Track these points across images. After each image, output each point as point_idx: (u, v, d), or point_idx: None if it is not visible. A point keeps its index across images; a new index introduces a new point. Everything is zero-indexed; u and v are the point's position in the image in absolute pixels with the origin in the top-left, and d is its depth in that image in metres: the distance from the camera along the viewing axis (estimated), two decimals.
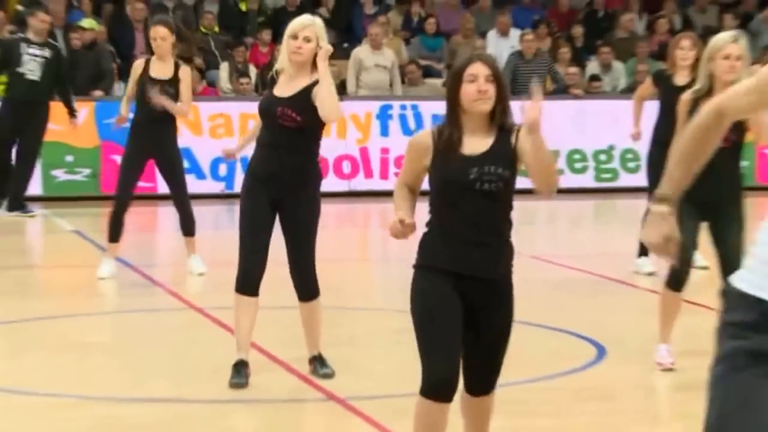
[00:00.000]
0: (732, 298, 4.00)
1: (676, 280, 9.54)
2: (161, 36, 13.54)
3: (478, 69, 6.11)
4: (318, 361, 9.18)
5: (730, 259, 9.39)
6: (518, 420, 6.84)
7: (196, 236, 13.57)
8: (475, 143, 6.20)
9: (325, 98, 8.73)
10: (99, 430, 8.31)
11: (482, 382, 6.43)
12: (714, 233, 9.76)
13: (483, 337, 6.34)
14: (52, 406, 8.79)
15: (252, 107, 14.57)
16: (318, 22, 9.06)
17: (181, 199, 13.72)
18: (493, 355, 6.39)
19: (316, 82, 8.83)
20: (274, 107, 8.87)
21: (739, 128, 9.29)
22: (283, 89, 8.90)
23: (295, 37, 8.80)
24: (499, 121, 6.19)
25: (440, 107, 20.54)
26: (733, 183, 9.72)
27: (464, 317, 6.29)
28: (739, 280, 3.99)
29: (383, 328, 11.78)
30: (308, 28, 8.89)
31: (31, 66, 16.69)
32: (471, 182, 6.11)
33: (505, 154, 6.19)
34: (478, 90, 6.06)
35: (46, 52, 16.78)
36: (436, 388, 6.14)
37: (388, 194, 21.00)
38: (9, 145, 17.48)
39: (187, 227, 13.60)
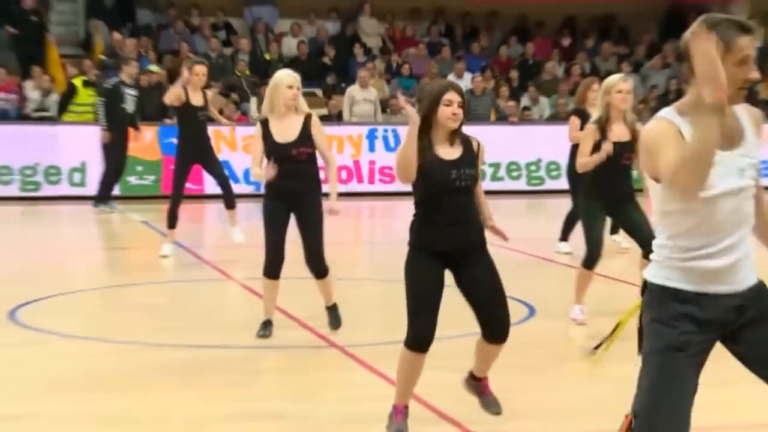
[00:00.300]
0: (655, 292, 4.04)
1: (590, 262, 9.43)
2: (203, 72, 13.19)
3: (453, 96, 6.04)
4: (331, 310, 9.09)
5: (645, 240, 9.07)
6: (469, 361, 6.61)
7: (236, 209, 13.19)
8: (447, 151, 6.15)
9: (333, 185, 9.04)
10: (164, 368, 8.32)
11: (499, 327, 6.31)
12: (624, 224, 9.76)
13: (479, 288, 6.25)
14: (130, 350, 8.84)
15: None
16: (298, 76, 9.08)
17: (224, 181, 13.40)
18: (496, 297, 6.29)
19: (306, 118, 8.80)
20: (288, 150, 8.71)
21: (634, 152, 9.31)
22: (285, 133, 8.77)
23: (291, 87, 8.71)
24: (460, 134, 6.14)
25: None
26: (631, 187, 9.62)
27: (458, 281, 6.30)
28: (653, 276, 4.07)
29: (371, 294, 11.77)
30: (297, 81, 8.83)
31: (129, 102, 16.69)
32: (452, 181, 6.09)
33: (471, 158, 6.18)
34: (453, 112, 6.01)
35: (135, 92, 16.79)
36: (417, 343, 6.19)
37: (375, 194, 21.12)
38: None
39: (230, 201, 13.22)
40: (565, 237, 13.29)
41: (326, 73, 22.00)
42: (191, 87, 13.10)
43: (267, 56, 21.88)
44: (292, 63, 20.57)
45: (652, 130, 3.98)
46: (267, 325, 9.02)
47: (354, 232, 16.84)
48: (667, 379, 4.01)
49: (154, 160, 19.82)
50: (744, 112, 4.03)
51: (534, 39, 24.32)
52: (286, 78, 8.80)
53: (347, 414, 7.14)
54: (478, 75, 22.39)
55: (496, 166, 21.68)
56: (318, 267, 8.98)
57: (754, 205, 4.09)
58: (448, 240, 6.25)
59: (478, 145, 6.30)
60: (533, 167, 21.40)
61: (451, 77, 21.76)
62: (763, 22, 23.82)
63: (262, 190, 8.86)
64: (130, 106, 16.60)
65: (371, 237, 17.89)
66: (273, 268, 8.91)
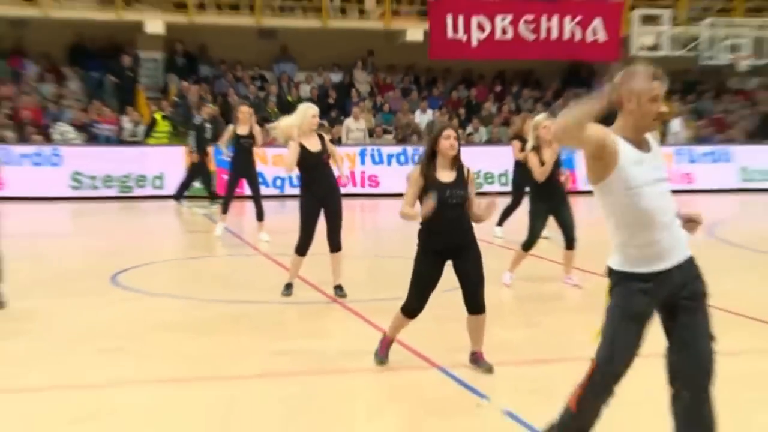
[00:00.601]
0: (619, 276, 4.00)
1: (527, 246, 9.46)
2: (248, 111, 13.30)
3: (451, 132, 6.09)
4: (338, 288, 8.95)
5: (569, 232, 9.42)
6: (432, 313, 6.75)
7: (264, 220, 13.09)
8: (446, 175, 6.09)
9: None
10: (221, 317, 8.41)
11: (476, 304, 6.22)
12: (558, 221, 9.48)
13: (469, 274, 6.20)
14: (199, 304, 8.96)
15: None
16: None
17: (258, 199, 13.22)
18: (477, 281, 6.22)
19: (320, 136, 8.86)
20: (320, 158, 8.75)
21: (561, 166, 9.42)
22: (313, 146, 8.74)
23: (315, 116, 8.78)
24: (458, 162, 6.11)
25: (394, 150, 21.13)
26: (564, 194, 9.54)
27: (455, 267, 6.22)
28: (616, 264, 4.02)
29: (363, 265, 11.73)
30: (317, 111, 8.92)
31: (208, 133, 16.78)
32: (446, 198, 6.01)
33: (462, 182, 6.12)
34: (451, 145, 6.03)
35: (211, 126, 16.88)
36: (410, 312, 6.29)
37: (364, 195, 20.31)
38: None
39: (260, 216, 13.08)
40: (500, 223, 13.14)
41: (330, 109, 21.96)
42: (238, 122, 13.18)
43: (289, 98, 21.79)
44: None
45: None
46: (289, 287, 9.04)
47: (350, 222, 15.55)
48: (623, 339, 3.96)
49: (210, 171, 19.05)
50: (653, 136, 4.03)
51: (476, 86, 24.20)
52: (310, 109, 8.88)
53: (348, 349, 7.24)
54: (437, 111, 22.59)
55: None
56: (336, 243, 8.86)
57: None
58: (444, 242, 6.13)
59: (468, 171, 6.21)
60: (484, 179, 20.97)
61: (418, 112, 22.63)
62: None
63: (285, 191, 9.08)
64: (208, 135, 16.77)
65: (362, 225, 17.71)
66: (304, 248, 8.84)
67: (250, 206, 13.88)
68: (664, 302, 3.97)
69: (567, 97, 22.95)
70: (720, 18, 23.38)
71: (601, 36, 22.71)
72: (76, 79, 21.66)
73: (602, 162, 3.84)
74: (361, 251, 13.14)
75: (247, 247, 13.04)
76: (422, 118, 22.41)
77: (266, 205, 13.63)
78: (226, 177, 14.67)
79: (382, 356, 6.52)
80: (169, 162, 19.60)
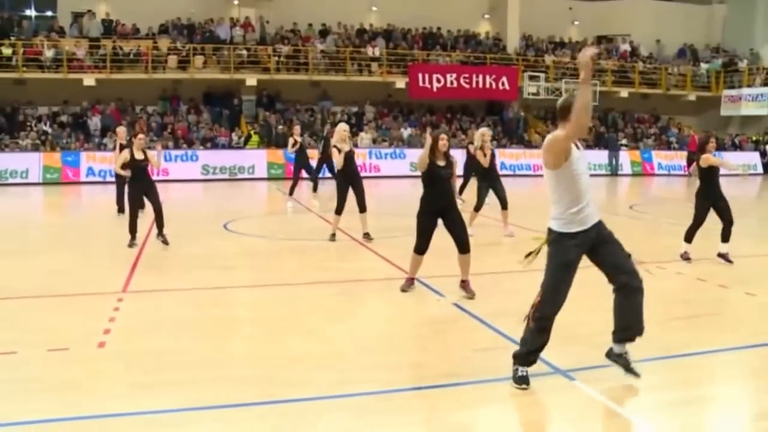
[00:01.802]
0: (557, 235, 3.44)
1: (477, 208, 8.46)
2: (298, 132, 12.40)
3: (443, 136, 5.53)
4: (366, 235, 8.11)
5: (503, 199, 8.46)
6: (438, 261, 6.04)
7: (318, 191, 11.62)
8: (441, 162, 5.47)
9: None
10: (282, 250, 7.63)
11: (464, 245, 5.50)
12: (495, 190, 8.49)
13: (454, 226, 5.52)
14: (286, 244, 8.15)
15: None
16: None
17: (314, 178, 12.04)
18: (462, 230, 5.54)
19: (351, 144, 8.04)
20: (351, 156, 7.99)
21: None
22: (347, 147, 7.95)
23: (346, 131, 7.98)
24: (448, 154, 5.51)
25: (388, 150, 20.11)
26: (497, 173, 8.58)
27: (444, 223, 5.54)
28: (557, 227, 3.45)
29: (385, 221, 9.64)
30: (348, 129, 8.10)
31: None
32: (441, 176, 5.43)
33: (449, 166, 5.48)
34: (443, 143, 5.46)
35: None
36: (419, 251, 5.61)
37: (372, 177, 18.75)
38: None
39: (315, 186, 11.71)
40: (460, 193, 11.34)
41: (352, 127, 17.77)
42: (293, 135, 12.25)
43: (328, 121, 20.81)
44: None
45: (552, 138, 3.42)
46: (333, 236, 8.03)
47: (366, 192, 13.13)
48: (561, 277, 3.44)
49: (281, 163, 19.05)
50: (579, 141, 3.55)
51: (435, 114, 23.04)
52: (344, 125, 8.13)
53: (364, 268, 6.69)
54: (413, 128, 21.96)
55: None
56: (363, 206, 8.08)
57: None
58: (438, 203, 5.49)
59: (454, 159, 5.65)
60: (455, 162, 19.16)
61: (402, 129, 21.82)
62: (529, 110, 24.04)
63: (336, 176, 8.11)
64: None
65: (371, 194, 14.30)
66: (340, 212, 8.03)
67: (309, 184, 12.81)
68: (588, 250, 3.49)
69: (486, 121, 23.27)
70: (571, 78, 22.86)
71: (507, 86, 22.60)
72: (206, 112, 21.49)
73: (564, 153, 3.35)
74: (372, 209, 11.03)
75: (308, 212, 11.58)
76: (405, 132, 21.94)
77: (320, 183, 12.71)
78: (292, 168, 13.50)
79: (405, 285, 5.77)
80: (257, 159, 19.28)
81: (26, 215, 12.00)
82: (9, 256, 7.53)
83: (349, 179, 8.00)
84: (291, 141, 12.56)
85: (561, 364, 4.00)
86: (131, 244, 7.81)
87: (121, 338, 4.60)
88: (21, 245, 8.27)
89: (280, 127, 20.61)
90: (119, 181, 10.35)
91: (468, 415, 3.43)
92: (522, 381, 3.64)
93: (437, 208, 5.52)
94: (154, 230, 8.07)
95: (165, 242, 7.79)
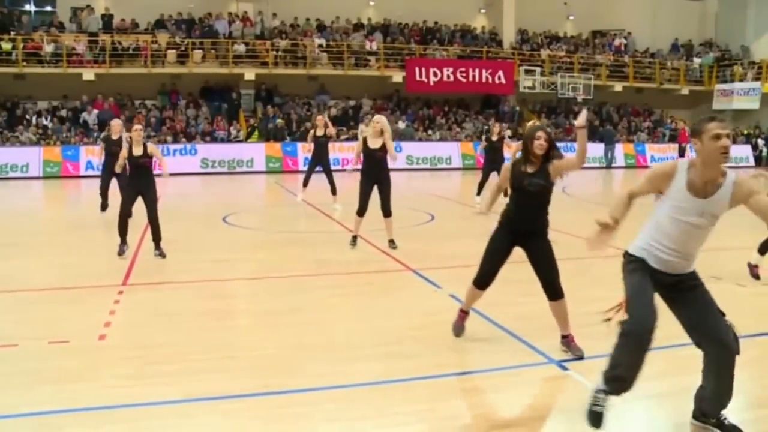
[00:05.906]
0: (633, 257, 3.07)
1: (479, 190, 8.18)
2: (323, 123, 10.85)
3: (540, 135, 3.92)
4: (391, 242, 7.31)
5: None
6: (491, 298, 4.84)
7: (337, 194, 10.43)
8: (531, 168, 3.95)
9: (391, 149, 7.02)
10: (280, 241, 7.53)
11: (553, 288, 3.98)
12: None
13: (539, 261, 3.98)
14: (283, 237, 7.96)
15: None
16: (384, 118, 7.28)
17: (330, 178, 10.51)
18: (553, 270, 3.98)
19: (383, 139, 7.05)
20: (378, 152, 7.04)
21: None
22: (374, 144, 7.08)
23: (377, 122, 7.12)
24: (548, 156, 3.94)
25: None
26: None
27: (529, 256, 4.03)
28: (634, 250, 3.12)
29: (379, 214, 7.38)
30: (381, 120, 7.18)
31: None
32: (524, 186, 3.90)
33: (543, 174, 3.91)
34: (540, 145, 3.89)
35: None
36: (480, 284, 4.16)
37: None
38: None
39: (333, 190, 10.44)
40: (479, 192, 10.45)
41: (349, 121, 21.14)
42: (316, 127, 10.89)
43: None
44: (335, 119, 20.11)
45: (664, 165, 3.01)
46: (354, 239, 7.44)
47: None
48: (638, 288, 2.94)
49: (279, 156, 18.83)
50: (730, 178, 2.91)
51: (432, 108, 23.05)
52: (379, 116, 7.32)
53: (360, 259, 6.43)
54: (410, 122, 21.90)
55: (424, 159, 20.04)
56: (387, 210, 7.20)
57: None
58: (520, 224, 3.99)
59: (557, 166, 3.92)
60: (436, 160, 20.03)
61: (399, 122, 21.26)
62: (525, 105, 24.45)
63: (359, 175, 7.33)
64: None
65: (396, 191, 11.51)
66: (362, 211, 7.26)
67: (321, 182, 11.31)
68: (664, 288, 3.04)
69: (484, 114, 23.41)
70: (566, 72, 23.22)
71: (503, 80, 22.40)
72: (205, 106, 21.24)
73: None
74: (406, 209, 10.75)
75: (305, 205, 11.24)
76: (401, 125, 21.57)
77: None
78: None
79: (458, 327, 4.43)
80: (256, 152, 19.08)
81: (27, 209, 11.80)
82: (10, 249, 7.44)
83: (374, 179, 7.15)
84: (309, 136, 11.29)
85: (555, 355, 4.02)
86: (121, 251, 6.83)
87: (122, 331, 4.58)
88: (22, 238, 8.13)
89: (278, 120, 20.36)
90: (104, 175, 9.64)
91: (462, 404, 3.44)
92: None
93: (518, 230, 3.99)
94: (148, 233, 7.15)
95: (162, 255, 6.80)
